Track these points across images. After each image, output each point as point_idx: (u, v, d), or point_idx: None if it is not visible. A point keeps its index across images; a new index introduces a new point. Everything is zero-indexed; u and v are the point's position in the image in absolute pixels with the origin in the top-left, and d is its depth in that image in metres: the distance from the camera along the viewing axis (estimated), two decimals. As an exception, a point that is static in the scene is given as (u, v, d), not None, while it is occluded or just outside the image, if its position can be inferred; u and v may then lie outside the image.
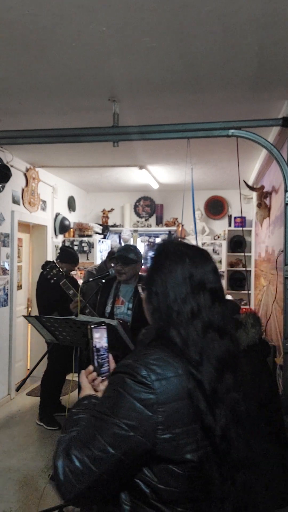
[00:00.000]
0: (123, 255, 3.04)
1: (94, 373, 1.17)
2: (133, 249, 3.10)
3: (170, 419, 0.89)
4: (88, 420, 0.96)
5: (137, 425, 0.88)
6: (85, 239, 6.31)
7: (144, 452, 0.89)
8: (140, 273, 3.15)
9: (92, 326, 1.23)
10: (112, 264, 3.56)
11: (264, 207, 4.35)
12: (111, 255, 4.28)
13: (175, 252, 1.04)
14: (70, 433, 0.95)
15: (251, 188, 4.69)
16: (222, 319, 1.00)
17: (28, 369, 5.46)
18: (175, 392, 0.90)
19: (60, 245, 5.90)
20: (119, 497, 0.94)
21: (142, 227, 7.19)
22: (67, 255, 4.12)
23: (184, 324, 0.96)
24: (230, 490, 0.92)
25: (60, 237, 6.09)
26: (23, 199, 4.89)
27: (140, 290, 1.16)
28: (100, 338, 1.23)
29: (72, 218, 6.46)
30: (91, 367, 1.19)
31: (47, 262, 3.10)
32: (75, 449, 0.90)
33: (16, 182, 4.73)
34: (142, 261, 3.11)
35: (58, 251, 4.75)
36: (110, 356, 1.22)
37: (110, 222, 7.27)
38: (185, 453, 0.89)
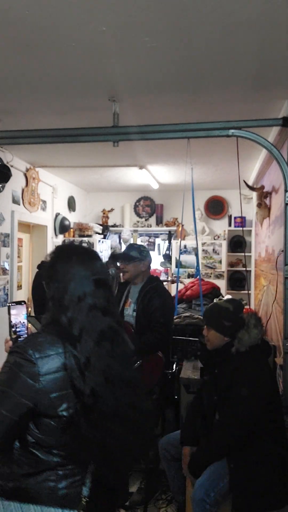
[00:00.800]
0: (125, 252, 3.05)
1: (10, 342, 1.43)
2: (136, 247, 3.09)
3: (48, 386, 1.18)
4: None
5: (24, 392, 1.18)
6: (85, 239, 6.30)
7: (29, 411, 1.19)
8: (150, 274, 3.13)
9: (9, 304, 1.48)
10: (118, 263, 3.58)
11: (264, 207, 4.35)
12: (112, 256, 4.30)
13: (64, 253, 1.36)
14: None
15: (251, 188, 4.68)
16: (105, 301, 1.28)
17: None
18: (53, 366, 1.19)
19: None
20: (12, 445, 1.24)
21: (142, 227, 7.18)
22: None
23: (72, 307, 1.24)
24: (96, 434, 1.19)
25: (60, 237, 6.08)
26: (23, 199, 4.89)
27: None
28: (17, 315, 1.47)
29: (72, 218, 6.46)
30: (8, 337, 1.45)
31: (44, 262, 3.11)
32: None
33: (16, 182, 4.73)
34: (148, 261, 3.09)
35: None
36: (29, 330, 1.49)
37: (110, 222, 7.26)
38: (59, 411, 1.18)
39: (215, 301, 3.07)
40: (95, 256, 1.38)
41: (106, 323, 1.25)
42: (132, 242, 6.88)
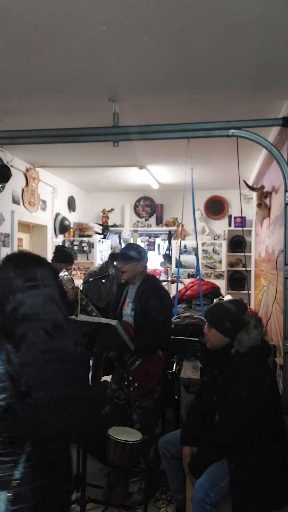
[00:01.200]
0: (123, 252, 3.05)
1: None
2: (135, 247, 3.09)
3: None
4: None
5: None
6: (85, 239, 6.30)
7: None
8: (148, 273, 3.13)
9: None
10: (115, 263, 3.58)
11: (264, 207, 4.35)
12: (112, 255, 4.33)
13: (5, 260, 1.45)
14: None
15: (251, 188, 4.68)
16: (40, 304, 1.37)
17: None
18: None
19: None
20: None
21: (142, 227, 7.19)
22: (63, 254, 4.15)
23: (6, 312, 1.35)
24: (30, 415, 1.31)
25: (60, 237, 6.08)
26: (23, 199, 4.89)
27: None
28: None
29: (72, 218, 6.46)
30: None
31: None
32: None
33: (16, 182, 4.73)
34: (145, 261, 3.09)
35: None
36: None
37: (110, 222, 7.26)
38: None
39: (215, 301, 3.07)
40: (34, 262, 1.46)
41: (40, 327, 1.35)
42: (132, 242, 6.88)
